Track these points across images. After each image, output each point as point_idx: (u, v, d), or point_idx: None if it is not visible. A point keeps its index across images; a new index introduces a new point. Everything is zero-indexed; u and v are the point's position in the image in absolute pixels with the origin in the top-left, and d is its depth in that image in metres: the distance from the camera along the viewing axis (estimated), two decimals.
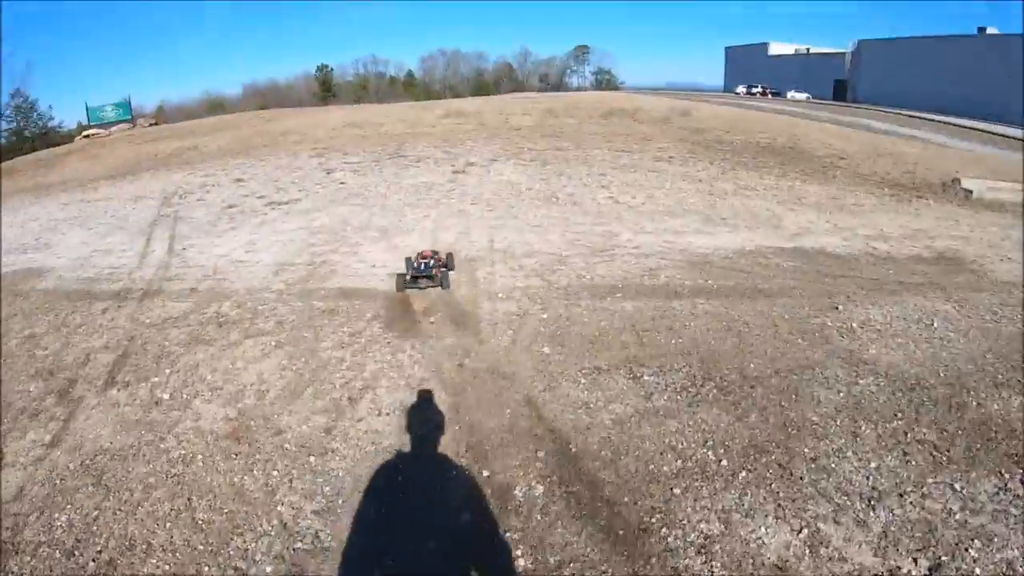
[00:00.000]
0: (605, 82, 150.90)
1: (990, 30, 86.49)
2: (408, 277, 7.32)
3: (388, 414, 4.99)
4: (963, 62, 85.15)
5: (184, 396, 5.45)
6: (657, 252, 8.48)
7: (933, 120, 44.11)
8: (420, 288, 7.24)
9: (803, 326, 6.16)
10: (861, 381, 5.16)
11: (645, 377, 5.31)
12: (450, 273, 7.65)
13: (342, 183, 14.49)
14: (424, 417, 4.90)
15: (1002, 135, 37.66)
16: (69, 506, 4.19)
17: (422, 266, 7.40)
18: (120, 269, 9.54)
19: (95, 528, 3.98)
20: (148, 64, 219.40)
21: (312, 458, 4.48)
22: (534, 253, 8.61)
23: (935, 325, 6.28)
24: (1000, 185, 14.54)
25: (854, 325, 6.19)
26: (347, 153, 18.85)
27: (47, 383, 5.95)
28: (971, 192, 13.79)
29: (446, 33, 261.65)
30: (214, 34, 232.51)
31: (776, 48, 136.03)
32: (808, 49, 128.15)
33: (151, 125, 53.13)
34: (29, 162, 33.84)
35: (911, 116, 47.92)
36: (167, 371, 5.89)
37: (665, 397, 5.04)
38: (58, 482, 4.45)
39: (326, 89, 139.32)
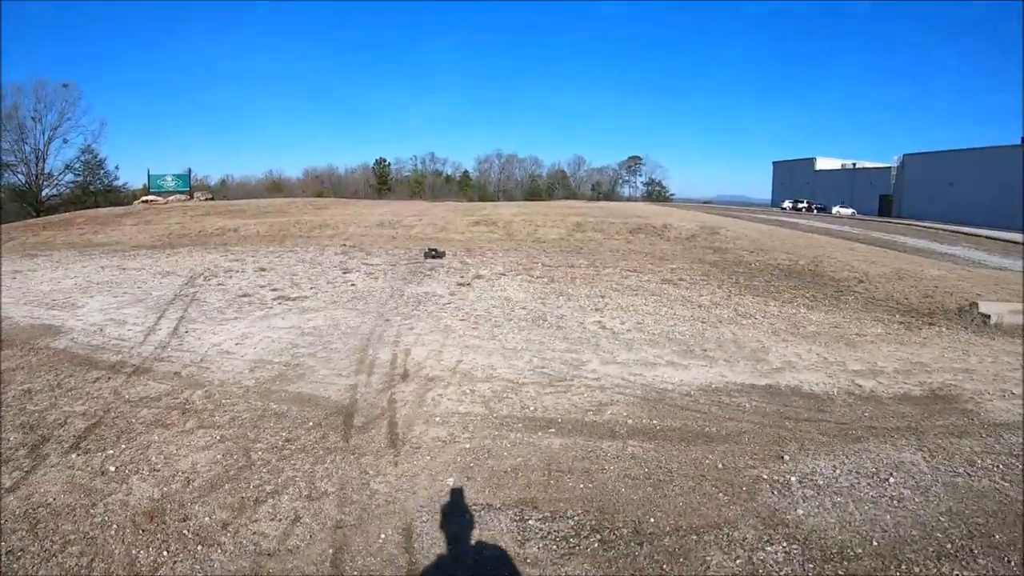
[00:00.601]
0: (656, 193, 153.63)
1: None
2: None
3: (279, 520, 5.14)
4: (1007, 173, 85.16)
5: (126, 472, 5.89)
6: (616, 385, 8.30)
7: (975, 235, 43.57)
8: None
9: (733, 478, 5.86)
10: (769, 548, 4.84)
11: (531, 521, 5.18)
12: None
13: (352, 284, 14.91)
14: (307, 529, 5.05)
15: None
16: (2, 543, 4.84)
17: None
18: (126, 342, 10.38)
19: (14, 566, 4.60)
20: (221, 137, 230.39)
21: (200, 547, 4.77)
22: (493, 378, 8.51)
23: (890, 480, 5.88)
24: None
25: (792, 479, 5.85)
26: (370, 254, 19.41)
27: (26, 436, 6.70)
28: (989, 317, 13.22)
29: (505, 136, 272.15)
30: (285, 116, 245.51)
31: (823, 163, 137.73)
32: (854, 164, 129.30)
33: (206, 199, 55.48)
34: (88, 217, 36.64)
35: (953, 231, 47.52)
36: (123, 446, 6.40)
37: (540, 545, 4.89)
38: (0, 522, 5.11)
39: (382, 182, 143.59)
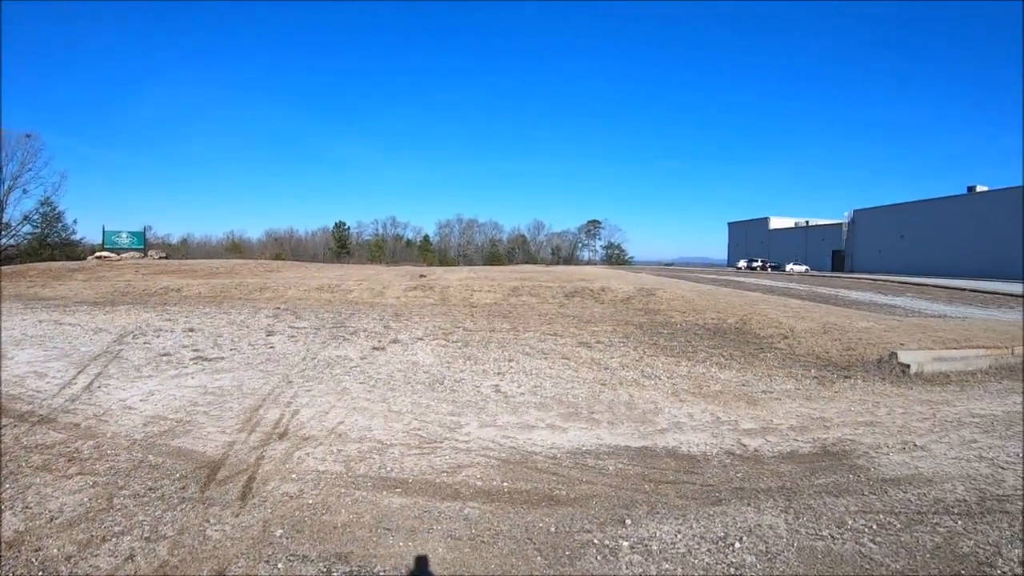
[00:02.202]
0: (615, 256, 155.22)
1: (979, 188, 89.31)
2: None
3: (115, 557, 5.37)
4: (956, 223, 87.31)
5: (3, 507, 6.18)
6: (483, 448, 8.26)
7: (923, 284, 44.16)
8: None
9: (562, 542, 5.73)
10: None
11: (335, 574, 5.21)
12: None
13: (271, 347, 14.97)
14: (135, 566, 5.25)
15: (993, 292, 37.64)
16: None
17: None
18: (40, 393, 10.73)
19: None
20: (183, 196, 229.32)
21: (40, 574, 5.09)
22: (365, 439, 8.50)
23: (736, 546, 5.61)
24: (948, 354, 14.12)
25: (624, 544, 5.68)
26: (299, 317, 19.41)
27: None
28: (908, 367, 13.37)
29: (466, 200, 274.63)
30: (249, 175, 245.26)
31: (776, 222, 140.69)
32: (807, 222, 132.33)
33: (160, 258, 55.72)
34: (41, 270, 37.51)
35: (900, 283, 48.13)
36: (7, 486, 6.71)
37: None
38: None
39: (341, 245, 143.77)
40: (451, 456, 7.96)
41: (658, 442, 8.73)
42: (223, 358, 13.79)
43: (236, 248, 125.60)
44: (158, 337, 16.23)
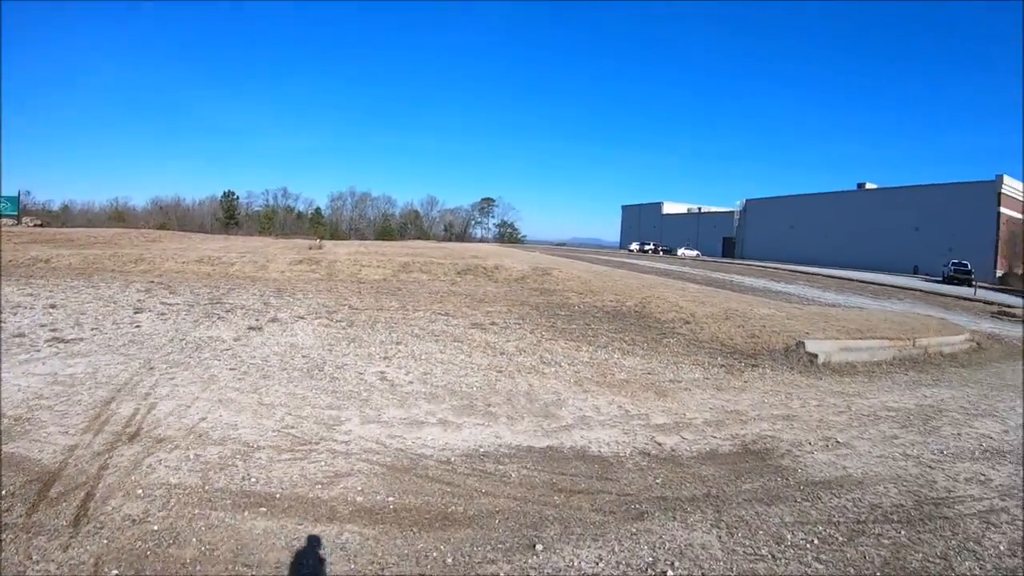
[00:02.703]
0: (508, 235, 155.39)
1: (869, 185, 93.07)
2: None
3: None
4: (844, 216, 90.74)
5: None
6: (365, 451, 7.20)
7: (814, 274, 45.46)
8: None
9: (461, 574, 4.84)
10: None
11: None
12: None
13: (137, 326, 13.52)
14: None
15: (879, 284, 38.91)
16: None
17: None
18: None
19: None
20: (64, 159, 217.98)
21: None
22: (229, 440, 7.31)
23: (668, 573, 4.88)
24: (853, 344, 13.98)
25: (531, 574, 4.82)
26: (173, 292, 17.96)
27: None
28: (816, 356, 13.09)
29: (359, 173, 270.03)
30: (135, 137, 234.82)
31: (670, 207, 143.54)
32: (699, 208, 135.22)
33: (35, 225, 52.74)
34: None
35: (791, 271, 49.53)
36: None
37: None
38: None
39: (229, 216, 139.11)
40: (328, 462, 6.86)
41: (564, 441, 7.89)
42: (82, 339, 12.28)
43: (119, 217, 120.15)
44: (15, 315, 14.44)
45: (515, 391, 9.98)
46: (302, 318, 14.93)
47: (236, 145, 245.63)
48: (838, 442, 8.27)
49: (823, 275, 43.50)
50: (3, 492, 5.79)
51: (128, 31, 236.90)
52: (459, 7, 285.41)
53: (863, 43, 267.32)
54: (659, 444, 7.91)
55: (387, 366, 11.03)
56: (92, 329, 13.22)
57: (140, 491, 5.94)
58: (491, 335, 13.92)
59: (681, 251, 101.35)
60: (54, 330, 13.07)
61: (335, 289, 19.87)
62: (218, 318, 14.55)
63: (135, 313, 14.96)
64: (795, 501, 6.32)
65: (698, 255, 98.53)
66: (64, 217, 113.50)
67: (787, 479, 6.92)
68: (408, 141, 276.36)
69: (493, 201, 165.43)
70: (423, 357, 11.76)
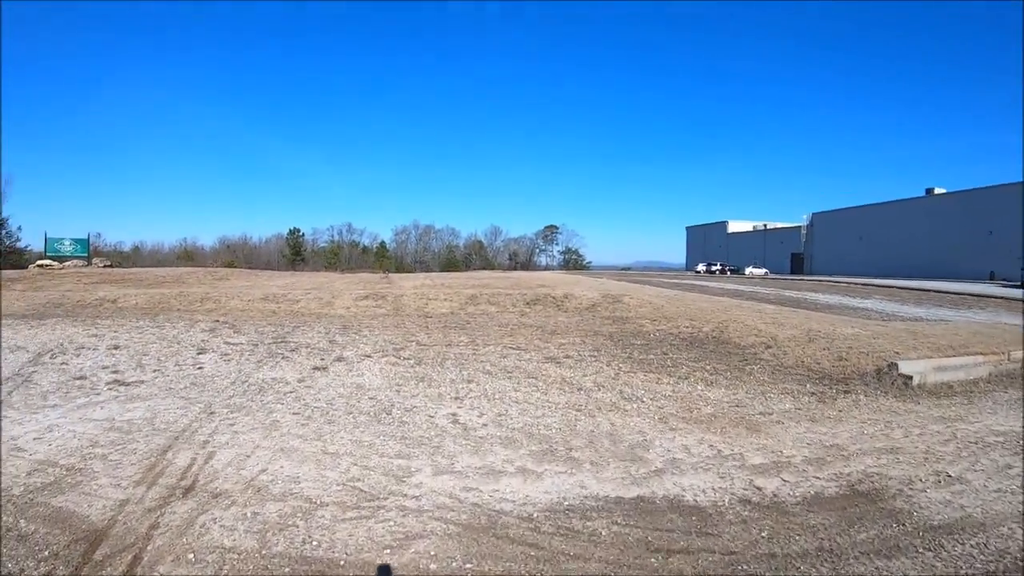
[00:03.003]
0: (572, 261, 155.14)
1: (937, 190, 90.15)
2: None
3: None
4: (913, 224, 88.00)
5: None
6: (438, 507, 6.49)
7: (888, 286, 43.77)
8: None
9: None
10: None
11: None
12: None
13: (200, 367, 13.13)
14: None
15: (958, 293, 37.13)
16: None
17: None
18: None
19: None
20: (135, 202, 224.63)
21: None
22: (290, 495, 6.70)
23: None
24: (948, 363, 12.92)
25: None
26: (238, 331, 17.53)
27: None
28: (911, 378, 12.08)
29: (422, 206, 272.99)
30: (202, 181, 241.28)
31: (735, 226, 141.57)
32: (765, 225, 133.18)
33: (105, 266, 53.99)
34: None
35: (864, 284, 47.83)
36: None
37: None
38: None
39: (296, 252, 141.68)
40: (398, 521, 6.17)
41: (656, 489, 7.09)
42: (143, 382, 11.97)
43: (188, 256, 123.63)
44: (78, 356, 14.27)
45: (597, 432, 9.22)
46: (368, 356, 14.37)
47: (301, 183, 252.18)
48: (950, 476, 7.44)
49: (897, 287, 41.78)
50: (47, 553, 5.37)
51: (191, 76, 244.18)
52: (515, 37, 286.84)
53: (918, 44, 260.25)
54: (759, 489, 7.10)
55: (459, 407, 10.38)
56: (154, 371, 12.89)
57: (191, 556, 5.38)
58: (567, 369, 13.19)
59: (749, 270, 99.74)
60: (115, 372, 12.80)
61: (402, 325, 19.32)
62: (282, 358, 14.11)
63: (198, 354, 14.62)
64: (917, 552, 5.54)
65: (766, 273, 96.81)
66: (134, 257, 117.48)
67: (903, 524, 6.12)
68: (470, 172, 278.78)
69: (557, 228, 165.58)
70: (497, 396, 11.08)
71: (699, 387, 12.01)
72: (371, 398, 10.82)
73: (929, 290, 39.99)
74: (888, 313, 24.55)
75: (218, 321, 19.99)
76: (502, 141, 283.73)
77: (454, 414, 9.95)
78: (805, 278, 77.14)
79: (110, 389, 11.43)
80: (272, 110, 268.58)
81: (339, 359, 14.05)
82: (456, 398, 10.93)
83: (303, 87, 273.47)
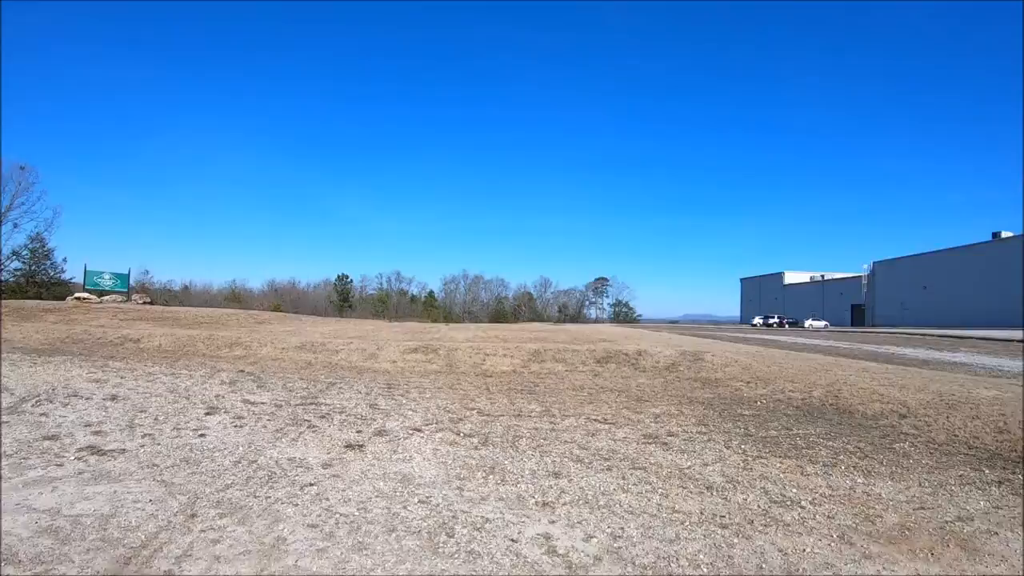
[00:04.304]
0: (622, 314, 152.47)
1: (1005, 234, 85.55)
2: None
3: None
4: (980, 271, 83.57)
5: None
6: None
7: (965, 337, 40.96)
8: None
9: None
10: None
11: None
12: None
13: (202, 435, 10.30)
14: None
15: None
16: None
17: None
18: None
19: None
20: (188, 242, 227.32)
21: None
22: None
23: None
24: None
25: None
26: (262, 385, 14.87)
27: None
28: None
29: (472, 256, 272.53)
30: (254, 224, 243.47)
31: (791, 277, 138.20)
32: (823, 276, 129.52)
33: (144, 303, 53.77)
34: (12, 308, 35.51)
35: (941, 336, 44.68)
36: None
37: None
38: None
39: (343, 299, 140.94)
40: None
41: None
42: (124, 451, 9.21)
43: (235, 297, 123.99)
44: (65, 406, 11.99)
45: (765, 565, 5.96)
46: (418, 430, 11.18)
47: (351, 230, 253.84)
48: None
49: (977, 337, 38.57)
50: None
51: (244, 120, 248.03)
52: (563, 83, 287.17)
53: (979, 82, 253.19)
54: None
55: (551, 521, 6.98)
56: (144, 436, 10.16)
57: None
58: (678, 454, 9.95)
59: (808, 323, 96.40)
60: (97, 432, 10.29)
61: (458, 385, 16.28)
62: (308, 427, 11.08)
63: (206, 414, 11.85)
64: None
65: (826, 325, 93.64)
66: (182, 297, 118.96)
67: None
68: (520, 222, 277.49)
69: (607, 280, 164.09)
70: (601, 501, 7.73)
71: (858, 479, 8.81)
72: (423, 501, 7.54)
73: (1013, 339, 37.11)
74: (991, 368, 21.77)
75: (243, 371, 17.32)
76: (551, 192, 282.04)
77: (547, 536, 6.53)
78: (870, 330, 73.61)
79: (79, 459, 8.81)
80: (325, 155, 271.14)
81: (380, 432, 10.91)
82: (544, 504, 7.58)
83: (357, 132, 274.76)
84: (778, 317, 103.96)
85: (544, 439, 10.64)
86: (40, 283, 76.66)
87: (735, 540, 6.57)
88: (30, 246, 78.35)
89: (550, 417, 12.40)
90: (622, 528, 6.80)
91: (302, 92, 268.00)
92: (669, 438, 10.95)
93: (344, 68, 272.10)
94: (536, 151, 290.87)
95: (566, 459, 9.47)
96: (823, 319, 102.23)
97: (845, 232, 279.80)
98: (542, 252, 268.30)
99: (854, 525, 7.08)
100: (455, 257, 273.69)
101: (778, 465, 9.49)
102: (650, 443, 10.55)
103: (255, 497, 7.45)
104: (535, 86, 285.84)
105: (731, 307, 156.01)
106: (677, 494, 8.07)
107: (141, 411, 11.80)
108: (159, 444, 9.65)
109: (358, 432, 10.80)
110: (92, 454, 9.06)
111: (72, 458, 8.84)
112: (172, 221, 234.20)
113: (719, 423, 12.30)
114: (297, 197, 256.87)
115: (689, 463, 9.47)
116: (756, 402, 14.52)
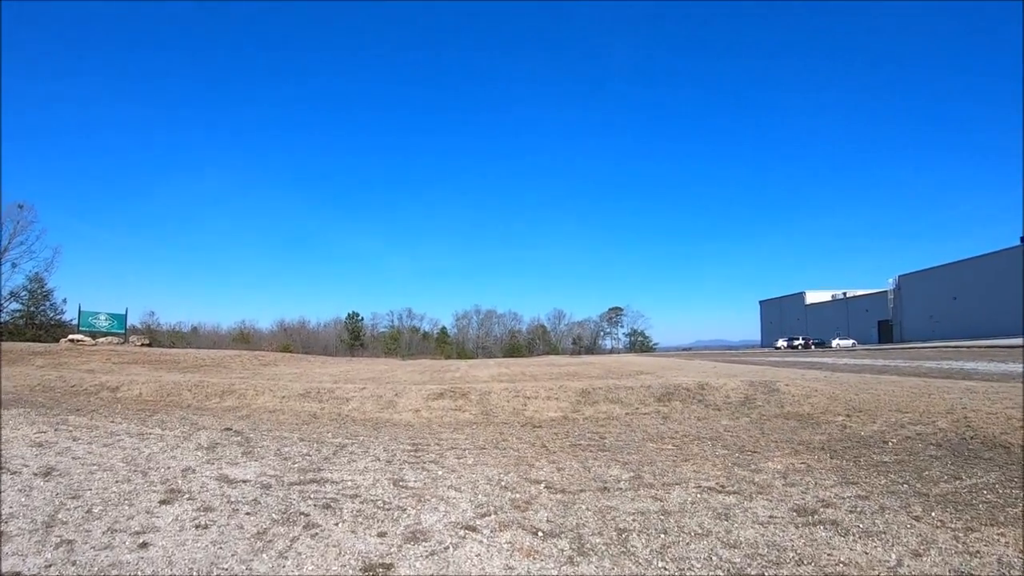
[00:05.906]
0: (639, 343, 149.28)
1: None
2: None
3: None
4: (1012, 276, 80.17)
5: None
6: None
7: (1004, 347, 39.03)
8: None
9: None
10: None
11: None
12: None
13: (144, 546, 6.67)
14: None
15: None
16: None
17: None
18: None
19: None
20: (194, 283, 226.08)
21: None
22: None
23: None
24: None
25: None
26: (249, 451, 11.77)
27: None
28: None
29: (483, 291, 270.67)
30: (262, 263, 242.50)
31: (813, 296, 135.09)
32: (845, 293, 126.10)
33: (142, 345, 52.79)
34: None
35: (977, 347, 42.83)
36: None
37: None
38: None
39: (354, 337, 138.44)
40: None
41: None
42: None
43: (243, 338, 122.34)
44: None
45: None
46: (471, 529, 7.21)
47: (361, 267, 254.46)
48: None
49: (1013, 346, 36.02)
50: None
51: (252, 161, 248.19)
52: (572, 111, 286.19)
53: (1000, 86, 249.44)
54: None
55: None
56: (59, 545, 6.63)
57: None
58: (861, 540, 6.42)
59: (836, 342, 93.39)
60: None
61: (504, 442, 12.47)
62: (305, 528, 7.35)
63: (161, 503, 8.25)
64: None
65: (854, 344, 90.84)
66: (191, 338, 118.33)
67: None
68: (532, 254, 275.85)
69: (621, 310, 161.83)
70: None
71: None
72: None
73: None
74: None
75: (228, 429, 14.07)
76: (561, 222, 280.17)
77: None
78: (903, 346, 70.73)
79: None
80: (334, 194, 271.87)
81: (415, 535, 7.06)
82: None
83: (365, 169, 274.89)
84: (803, 338, 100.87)
85: (663, 532, 6.92)
86: (39, 325, 75.82)
87: None
88: (29, 287, 77.79)
89: (648, 488, 8.73)
90: None
91: (310, 128, 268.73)
92: (828, 511, 7.52)
93: (351, 105, 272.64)
94: (542, 180, 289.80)
95: (717, 571, 5.84)
96: (850, 337, 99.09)
97: (862, 247, 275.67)
98: (555, 284, 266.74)
99: None
100: (466, 292, 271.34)
101: (1000, 539, 6.27)
102: (810, 523, 7.06)
103: None
104: (538, 109, 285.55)
105: (744, 331, 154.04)
106: None
107: (74, 496, 8.46)
108: (74, 563, 6.17)
109: (380, 537, 7.01)
110: None
111: None
112: (182, 261, 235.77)
113: (868, 478, 8.99)
114: (305, 235, 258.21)
115: (893, 556, 6.03)
116: (885, 443, 11.30)
